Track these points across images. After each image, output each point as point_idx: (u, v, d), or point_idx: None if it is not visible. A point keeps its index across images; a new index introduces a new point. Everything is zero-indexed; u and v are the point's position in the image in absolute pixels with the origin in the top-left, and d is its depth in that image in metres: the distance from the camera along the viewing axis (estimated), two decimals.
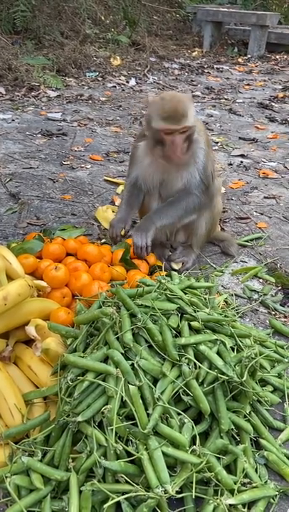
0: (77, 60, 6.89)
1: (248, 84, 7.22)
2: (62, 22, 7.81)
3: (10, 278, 1.72)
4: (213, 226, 2.56)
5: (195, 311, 1.62)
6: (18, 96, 5.53)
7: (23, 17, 6.90)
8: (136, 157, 2.35)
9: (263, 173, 3.87)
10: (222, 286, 2.39)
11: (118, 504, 1.26)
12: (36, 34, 7.34)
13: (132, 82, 6.76)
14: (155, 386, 1.39)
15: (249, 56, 9.35)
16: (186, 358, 1.46)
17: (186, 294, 1.73)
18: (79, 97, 5.74)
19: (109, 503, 1.21)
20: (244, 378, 1.43)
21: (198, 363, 1.46)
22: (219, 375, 1.43)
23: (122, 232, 2.38)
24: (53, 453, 1.36)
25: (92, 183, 3.46)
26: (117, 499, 1.22)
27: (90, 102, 5.67)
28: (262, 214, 3.19)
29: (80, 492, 1.27)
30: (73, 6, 7.73)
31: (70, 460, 1.33)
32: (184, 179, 2.29)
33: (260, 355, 1.61)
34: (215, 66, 8.45)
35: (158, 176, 2.32)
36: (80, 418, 1.32)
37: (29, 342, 1.68)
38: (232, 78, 7.64)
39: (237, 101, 6.25)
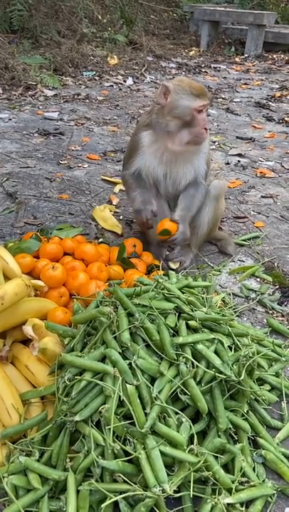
0: (74, 59, 6.87)
1: (245, 84, 7.23)
2: (59, 21, 7.79)
3: (7, 277, 1.72)
4: (214, 226, 2.56)
5: (192, 310, 1.62)
6: (15, 95, 5.51)
7: (20, 16, 6.88)
8: (139, 147, 2.31)
9: (261, 173, 3.87)
10: (220, 285, 2.39)
11: (116, 504, 1.26)
12: (33, 33, 7.32)
13: (129, 81, 6.75)
14: (153, 385, 1.39)
15: (246, 55, 9.36)
16: (183, 357, 1.46)
17: (183, 293, 1.72)
18: (76, 97, 5.73)
19: (107, 502, 1.21)
20: (242, 377, 1.43)
21: (195, 362, 1.46)
22: (217, 374, 1.42)
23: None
24: (51, 453, 1.35)
25: (90, 183, 3.45)
26: (114, 499, 1.22)
27: (87, 101, 5.67)
28: (259, 213, 3.19)
29: (78, 492, 1.27)
30: (70, 5, 7.72)
31: (68, 460, 1.33)
32: (191, 171, 2.33)
33: (257, 354, 1.61)
34: (212, 65, 8.45)
35: (162, 168, 2.32)
36: (77, 418, 1.31)
37: (26, 342, 1.68)
38: (229, 77, 7.64)
39: (234, 100, 6.25)
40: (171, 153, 2.27)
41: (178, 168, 2.33)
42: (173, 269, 2.39)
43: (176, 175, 2.34)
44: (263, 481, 1.41)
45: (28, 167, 3.63)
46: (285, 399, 1.70)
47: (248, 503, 1.34)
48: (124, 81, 6.74)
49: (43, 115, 4.93)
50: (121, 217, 2.99)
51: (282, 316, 2.20)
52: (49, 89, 5.83)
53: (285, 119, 5.45)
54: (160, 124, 2.20)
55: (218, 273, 2.47)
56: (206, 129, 2.18)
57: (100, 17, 8.55)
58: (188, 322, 1.58)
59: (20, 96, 5.53)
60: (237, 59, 9.16)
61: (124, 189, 2.72)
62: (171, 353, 1.45)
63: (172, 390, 1.41)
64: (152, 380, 1.42)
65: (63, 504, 1.27)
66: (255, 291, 2.36)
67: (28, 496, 1.28)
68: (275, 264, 2.59)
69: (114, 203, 3.16)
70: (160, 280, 1.68)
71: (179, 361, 1.45)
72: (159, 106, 2.20)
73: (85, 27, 7.70)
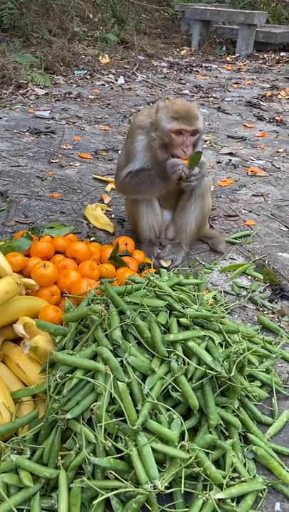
0: (66, 58, 6.85)
1: (237, 83, 7.26)
2: (50, 20, 7.76)
3: None
4: (203, 223, 2.57)
5: (184, 308, 1.62)
6: (5, 94, 5.49)
7: (11, 15, 6.84)
8: (135, 152, 2.33)
9: (252, 171, 3.89)
10: (211, 283, 2.40)
11: (108, 500, 1.27)
12: (24, 32, 7.29)
13: (121, 80, 6.74)
14: (144, 382, 1.39)
15: (237, 55, 9.38)
16: (174, 354, 1.46)
17: (174, 291, 1.73)
18: (67, 95, 5.72)
19: (99, 499, 1.21)
20: (232, 374, 1.44)
21: (186, 359, 1.46)
22: (208, 370, 1.43)
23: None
24: (42, 451, 1.35)
25: (81, 181, 3.45)
26: (106, 495, 1.22)
27: (79, 100, 5.65)
28: (250, 212, 3.21)
29: (70, 489, 1.27)
30: (61, 3, 7.69)
31: (59, 457, 1.33)
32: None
33: (248, 350, 1.62)
34: (203, 65, 8.47)
35: (158, 169, 2.31)
36: (68, 415, 1.32)
37: (17, 340, 1.68)
38: (220, 77, 7.67)
39: (225, 99, 6.27)
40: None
41: None
42: (164, 267, 2.39)
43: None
44: (254, 476, 1.43)
45: (19, 166, 3.61)
46: (275, 395, 1.71)
47: (238, 499, 1.35)
48: (116, 80, 6.73)
49: (34, 114, 4.92)
50: (113, 215, 2.99)
51: (273, 313, 2.21)
52: (40, 88, 5.81)
53: (276, 118, 5.48)
54: (150, 135, 2.25)
55: (210, 271, 2.49)
56: (184, 151, 2.16)
57: (91, 16, 8.53)
58: (180, 319, 1.58)
59: (11, 95, 5.50)
60: (228, 58, 9.19)
61: (117, 191, 2.70)
62: (163, 350, 1.46)
63: (163, 387, 1.42)
64: (144, 378, 1.42)
65: (55, 502, 1.27)
66: (246, 288, 2.37)
67: (19, 494, 1.28)
68: (266, 262, 2.61)
69: (105, 201, 3.16)
70: (151, 278, 1.69)
71: (170, 358, 1.46)
72: (152, 119, 2.25)
73: (76, 26, 7.68)
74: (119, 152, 2.64)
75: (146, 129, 2.28)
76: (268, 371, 1.80)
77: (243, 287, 2.38)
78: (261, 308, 2.24)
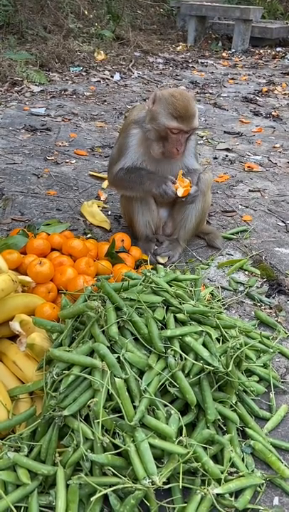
0: (61, 54, 6.81)
1: (233, 79, 7.24)
2: (45, 16, 7.72)
3: None
4: (202, 220, 2.57)
5: (181, 304, 1.62)
6: (0, 91, 5.45)
7: (5, 11, 6.80)
8: (129, 146, 2.30)
9: (248, 167, 3.88)
10: (208, 279, 2.39)
11: (106, 497, 1.26)
12: (19, 29, 7.24)
13: (117, 76, 6.72)
14: (141, 378, 1.39)
15: (233, 50, 9.36)
16: (171, 350, 1.46)
17: (171, 286, 1.73)
18: (63, 92, 5.69)
19: (97, 495, 1.21)
20: (230, 369, 1.44)
21: (184, 355, 1.46)
22: (205, 366, 1.43)
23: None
24: (40, 448, 1.35)
25: (77, 178, 3.43)
26: (104, 492, 1.22)
27: (74, 96, 5.63)
28: (247, 207, 3.20)
29: (68, 486, 1.27)
30: (56, 0, 7.64)
31: (57, 454, 1.32)
32: (180, 164, 2.35)
33: (245, 345, 1.62)
34: (199, 60, 8.45)
35: (152, 165, 2.32)
36: (66, 412, 1.31)
37: (14, 338, 1.67)
38: (216, 72, 7.65)
39: (222, 95, 6.26)
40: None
41: (167, 165, 2.34)
42: (161, 264, 2.39)
43: (164, 171, 2.34)
44: (252, 471, 1.42)
45: (14, 163, 3.59)
46: (272, 390, 1.71)
47: (237, 493, 1.35)
48: (112, 76, 6.71)
49: (30, 111, 4.89)
50: (109, 212, 2.98)
51: (270, 308, 2.21)
52: (35, 85, 5.78)
53: (272, 113, 5.47)
54: (145, 126, 2.22)
55: (207, 267, 2.48)
56: (177, 150, 2.16)
57: (86, 12, 8.48)
58: (177, 315, 1.58)
59: (6, 92, 5.47)
60: (224, 54, 9.16)
61: (110, 186, 2.69)
62: (160, 346, 1.45)
63: (161, 383, 1.41)
64: (141, 374, 1.42)
65: (53, 499, 1.26)
66: (244, 284, 2.37)
67: (17, 491, 1.28)
68: (263, 257, 2.60)
69: (102, 198, 3.15)
70: (148, 274, 1.68)
71: (168, 354, 1.46)
72: (148, 108, 2.21)
73: (71, 22, 7.63)
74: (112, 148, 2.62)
75: (141, 122, 2.26)
76: (265, 366, 1.80)
77: (240, 283, 2.37)
78: (258, 304, 2.24)
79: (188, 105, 2.12)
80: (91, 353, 1.44)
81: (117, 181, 2.38)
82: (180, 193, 2.19)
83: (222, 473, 1.35)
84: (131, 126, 2.31)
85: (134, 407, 1.34)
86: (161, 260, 2.44)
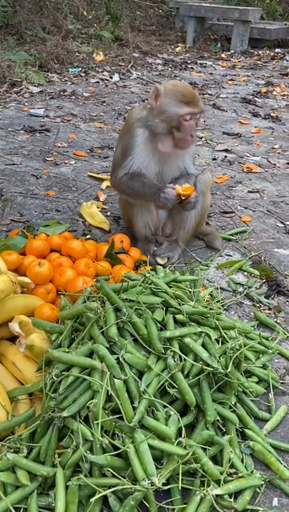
0: (60, 55, 6.81)
1: (232, 80, 7.25)
2: (43, 17, 7.72)
3: None
4: (202, 220, 2.57)
5: (180, 305, 1.62)
6: None
7: (4, 12, 6.81)
8: (134, 146, 2.29)
9: (247, 168, 3.89)
10: (207, 279, 2.40)
11: (105, 498, 1.26)
12: (18, 29, 7.24)
13: (116, 77, 6.72)
14: (141, 379, 1.39)
15: (232, 51, 9.37)
16: (171, 351, 1.46)
17: (171, 287, 1.73)
18: (62, 93, 5.69)
19: (96, 496, 1.21)
20: (229, 370, 1.44)
21: (183, 356, 1.46)
22: (204, 367, 1.43)
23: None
24: (39, 449, 1.35)
25: (77, 179, 3.43)
26: (103, 493, 1.22)
27: (73, 97, 5.63)
28: (246, 208, 3.20)
29: (67, 487, 1.27)
30: (55, 0, 7.65)
31: (56, 455, 1.32)
32: (181, 167, 2.39)
33: (244, 346, 1.62)
34: (198, 61, 8.45)
35: (155, 166, 2.33)
36: (65, 413, 1.31)
37: (13, 339, 1.67)
38: (215, 73, 7.65)
39: (220, 96, 6.27)
40: (163, 153, 2.29)
41: (170, 166, 2.36)
42: (161, 265, 2.39)
43: (167, 172, 2.37)
44: (252, 472, 1.43)
45: (13, 164, 3.59)
46: (272, 390, 1.71)
47: (236, 494, 1.35)
48: (111, 77, 6.71)
49: (29, 112, 4.89)
50: (108, 213, 2.98)
51: (269, 309, 2.21)
52: (34, 85, 5.78)
53: (271, 114, 5.48)
54: (151, 123, 2.22)
55: (206, 268, 2.48)
56: (192, 136, 2.20)
57: (85, 13, 8.49)
58: (176, 316, 1.58)
59: (5, 93, 5.47)
60: (223, 55, 9.17)
61: (111, 188, 2.69)
62: (159, 347, 1.45)
63: (160, 384, 1.41)
64: (140, 375, 1.42)
65: (52, 500, 1.26)
66: (243, 285, 2.37)
67: (16, 492, 1.27)
68: (262, 258, 2.61)
69: (101, 199, 3.15)
70: (147, 275, 1.68)
71: (167, 355, 1.46)
72: (150, 106, 2.22)
73: (70, 23, 7.64)
74: (114, 150, 2.62)
75: (144, 120, 2.26)
76: (264, 367, 1.80)
77: (240, 283, 2.38)
78: (258, 304, 2.24)
79: (192, 90, 2.21)
80: (90, 354, 1.44)
81: (120, 186, 2.38)
82: (181, 190, 2.19)
83: (221, 474, 1.35)
84: (135, 126, 2.29)
85: (134, 408, 1.34)
86: (160, 261, 2.44)
